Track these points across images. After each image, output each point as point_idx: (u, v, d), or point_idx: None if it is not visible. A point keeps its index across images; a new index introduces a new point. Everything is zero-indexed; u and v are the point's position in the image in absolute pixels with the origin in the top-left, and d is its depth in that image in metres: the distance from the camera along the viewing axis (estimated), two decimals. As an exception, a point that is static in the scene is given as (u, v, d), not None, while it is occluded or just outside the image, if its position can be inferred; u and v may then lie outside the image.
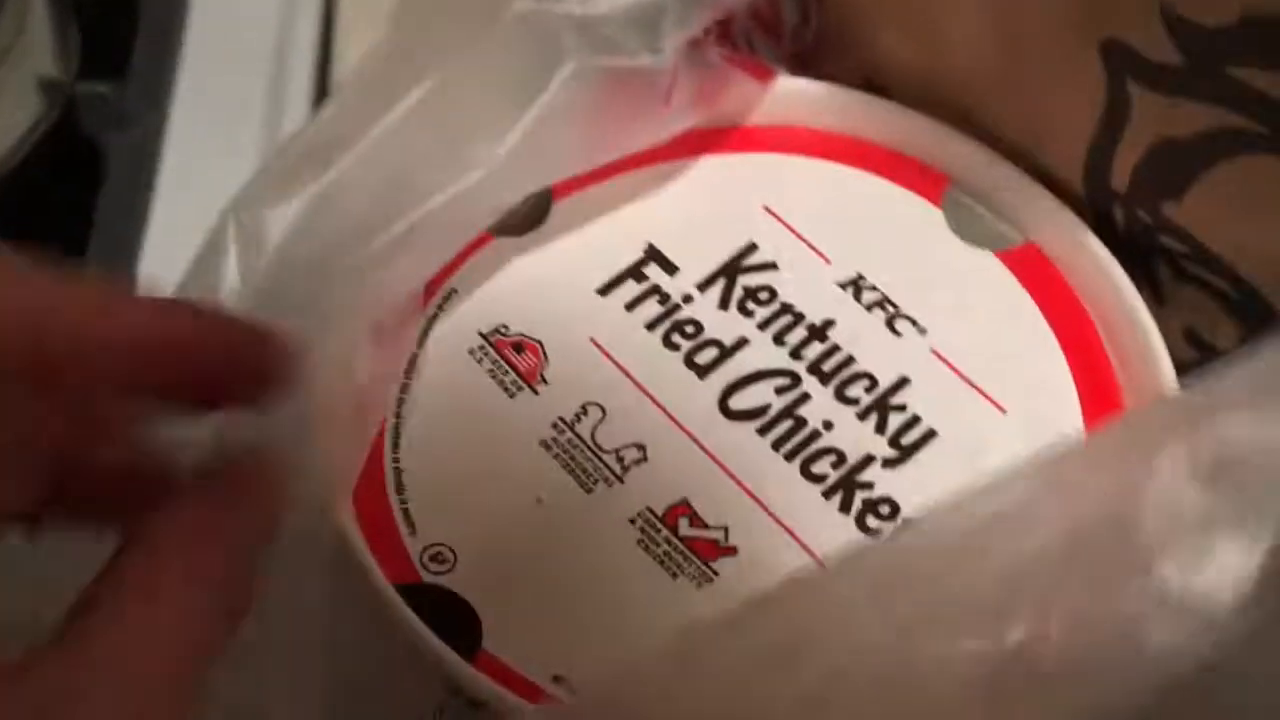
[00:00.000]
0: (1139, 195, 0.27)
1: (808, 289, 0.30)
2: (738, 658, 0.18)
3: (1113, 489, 0.17)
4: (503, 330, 0.29)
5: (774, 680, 0.17)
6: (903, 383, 0.28)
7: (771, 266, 0.30)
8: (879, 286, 0.30)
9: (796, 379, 0.28)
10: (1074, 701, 0.18)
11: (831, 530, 0.26)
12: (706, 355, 0.29)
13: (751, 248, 0.30)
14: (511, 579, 0.26)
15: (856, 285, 0.30)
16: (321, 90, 0.45)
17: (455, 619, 0.25)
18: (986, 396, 0.28)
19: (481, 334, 0.29)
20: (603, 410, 0.28)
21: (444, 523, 0.26)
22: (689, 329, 0.29)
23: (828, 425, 0.28)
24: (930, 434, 0.27)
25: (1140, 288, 0.28)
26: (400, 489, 0.27)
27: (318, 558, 0.23)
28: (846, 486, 0.27)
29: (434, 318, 0.29)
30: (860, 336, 0.29)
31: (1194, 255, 0.27)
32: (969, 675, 0.18)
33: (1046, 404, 0.28)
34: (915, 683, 0.18)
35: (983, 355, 0.28)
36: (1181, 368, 0.27)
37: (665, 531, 0.26)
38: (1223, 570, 0.17)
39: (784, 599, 0.18)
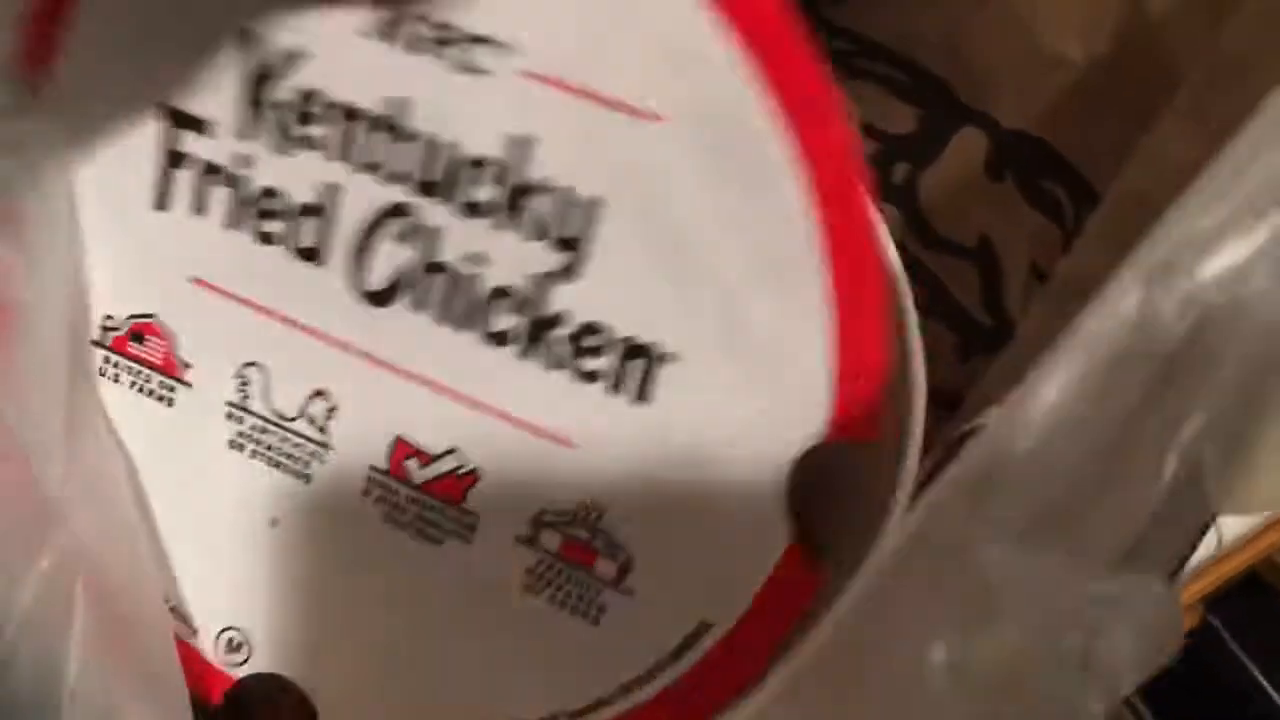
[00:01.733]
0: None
1: (347, 67, 0.20)
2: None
3: None
4: (109, 324, 0.23)
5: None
6: (524, 145, 0.19)
7: (297, 56, 0.20)
8: (421, 16, 0.19)
9: (409, 212, 0.20)
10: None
11: (555, 396, 0.20)
12: (309, 232, 0.21)
13: (248, 36, 0.20)
14: (302, 631, 0.23)
15: (390, 30, 0.19)
16: None
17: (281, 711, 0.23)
18: (632, 110, 0.18)
19: (96, 343, 0.23)
20: (260, 368, 0.22)
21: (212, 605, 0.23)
22: (274, 205, 0.21)
23: (480, 259, 0.20)
24: (595, 204, 0.19)
25: None
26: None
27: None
28: (538, 332, 0.20)
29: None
30: (442, 103, 0.19)
31: (862, 51, 0.25)
32: None
33: (710, 83, 0.18)
34: None
35: (597, 48, 0.18)
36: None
37: (403, 489, 0.21)
38: None
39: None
